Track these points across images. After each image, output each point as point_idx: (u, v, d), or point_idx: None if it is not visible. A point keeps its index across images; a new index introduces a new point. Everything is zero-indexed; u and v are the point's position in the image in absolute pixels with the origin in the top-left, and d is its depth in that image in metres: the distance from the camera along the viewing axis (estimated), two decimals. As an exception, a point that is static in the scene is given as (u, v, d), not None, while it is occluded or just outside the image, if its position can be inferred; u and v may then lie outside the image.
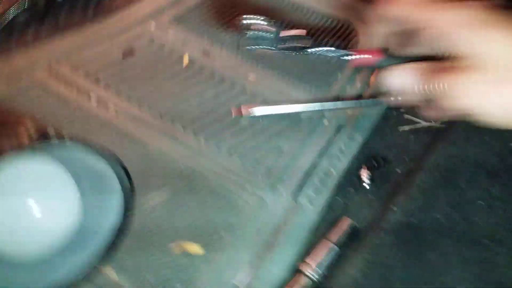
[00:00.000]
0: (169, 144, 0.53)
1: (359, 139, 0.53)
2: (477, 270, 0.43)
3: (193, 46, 0.62)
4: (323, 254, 0.44)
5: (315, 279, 0.42)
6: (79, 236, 0.38)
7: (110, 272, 0.44)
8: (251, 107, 0.55)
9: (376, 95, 0.56)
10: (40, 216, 0.37)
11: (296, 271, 0.44)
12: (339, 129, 0.54)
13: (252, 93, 0.58)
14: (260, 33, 0.44)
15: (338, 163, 0.51)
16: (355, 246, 0.45)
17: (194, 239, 0.46)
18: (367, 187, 0.51)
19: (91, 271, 0.39)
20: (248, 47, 0.44)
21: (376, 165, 0.52)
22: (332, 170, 0.51)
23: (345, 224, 0.46)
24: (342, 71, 0.60)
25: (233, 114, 0.55)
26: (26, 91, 0.55)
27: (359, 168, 0.52)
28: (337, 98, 0.57)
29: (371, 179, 0.51)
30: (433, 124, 0.56)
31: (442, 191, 0.47)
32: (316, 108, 0.55)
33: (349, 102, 0.56)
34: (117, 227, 0.38)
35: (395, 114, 0.57)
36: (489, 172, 0.49)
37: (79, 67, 0.58)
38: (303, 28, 0.45)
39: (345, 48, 0.44)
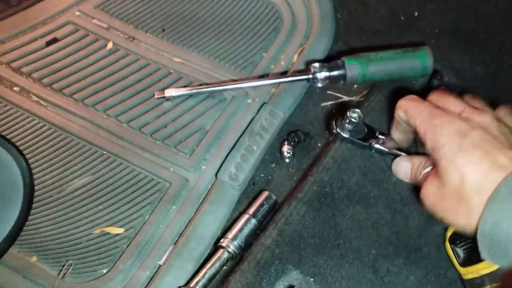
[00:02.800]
0: (91, 129, 0.53)
1: (281, 115, 0.55)
2: (387, 233, 0.45)
3: (117, 32, 0.61)
4: (241, 228, 0.45)
5: (232, 251, 0.44)
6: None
7: (31, 258, 0.44)
8: (175, 89, 0.56)
9: (300, 72, 0.57)
10: None
11: (216, 246, 0.45)
12: (261, 107, 0.55)
13: (177, 75, 0.58)
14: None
15: (260, 140, 0.52)
16: (272, 217, 0.46)
17: (115, 221, 0.47)
18: (288, 161, 0.52)
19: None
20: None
21: (297, 140, 0.53)
22: (254, 147, 0.52)
23: (263, 197, 0.47)
24: (267, 50, 0.61)
25: (156, 96, 0.55)
26: None
27: (281, 144, 0.53)
28: (261, 77, 0.58)
29: (292, 153, 0.52)
30: (353, 98, 0.58)
31: (355, 160, 0.49)
32: (240, 87, 0.56)
33: (273, 80, 0.56)
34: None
35: (318, 91, 0.58)
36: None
37: (2, 57, 0.58)
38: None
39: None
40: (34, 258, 0.44)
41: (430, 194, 0.37)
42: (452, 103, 0.39)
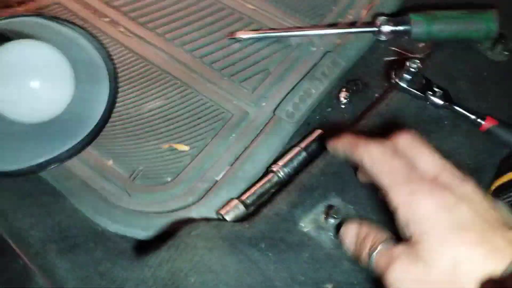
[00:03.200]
0: (168, 60, 0.59)
1: (343, 65, 0.57)
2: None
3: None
4: (291, 158, 0.49)
5: (281, 176, 0.48)
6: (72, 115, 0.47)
7: (108, 161, 0.51)
8: (245, 32, 0.60)
9: (366, 25, 0.59)
10: (39, 90, 0.45)
11: (267, 170, 0.50)
12: (325, 55, 0.58)
13: (248, 20, 0.62)
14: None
15: (319, 85, 0.56)
16: (321, 153, 0.50)
17: (182, 140, 0.53)
18: (344, 107, 0.55)
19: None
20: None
21: (355, 88, 0.56)
22: (312, 90, 0.55)
23: (316, 134, 0.51)
24: (336, 4, 0.63)
25: (227, 37, 0.60)
26: (47, 8, 0.62)
27: (339, 91, 0.56)
28: (327, 27, 0.61)
29: (349, 100, 0.55)
30: (417, 55, 0.59)
31: (409, 109, 0.51)
32: (306, 34, 0.59)
33: (338, 30, 0.59)
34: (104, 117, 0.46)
35: (382, 46, 0.60)
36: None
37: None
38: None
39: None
40: (110, 162, 0.51)
41: (406, 280, 0.31)
42: (426, 160, 0.35)
